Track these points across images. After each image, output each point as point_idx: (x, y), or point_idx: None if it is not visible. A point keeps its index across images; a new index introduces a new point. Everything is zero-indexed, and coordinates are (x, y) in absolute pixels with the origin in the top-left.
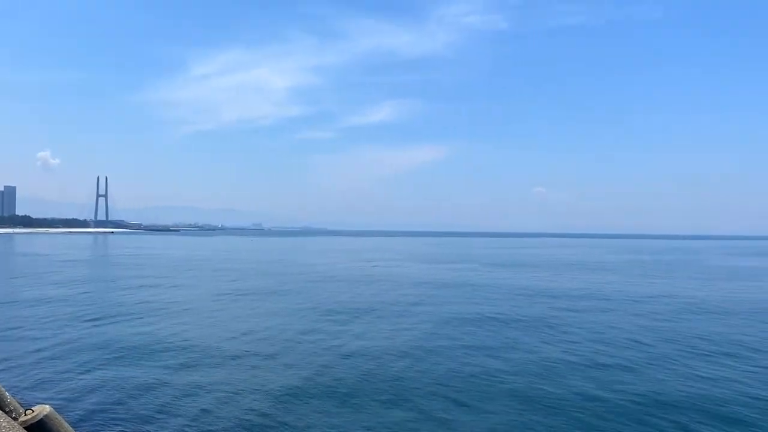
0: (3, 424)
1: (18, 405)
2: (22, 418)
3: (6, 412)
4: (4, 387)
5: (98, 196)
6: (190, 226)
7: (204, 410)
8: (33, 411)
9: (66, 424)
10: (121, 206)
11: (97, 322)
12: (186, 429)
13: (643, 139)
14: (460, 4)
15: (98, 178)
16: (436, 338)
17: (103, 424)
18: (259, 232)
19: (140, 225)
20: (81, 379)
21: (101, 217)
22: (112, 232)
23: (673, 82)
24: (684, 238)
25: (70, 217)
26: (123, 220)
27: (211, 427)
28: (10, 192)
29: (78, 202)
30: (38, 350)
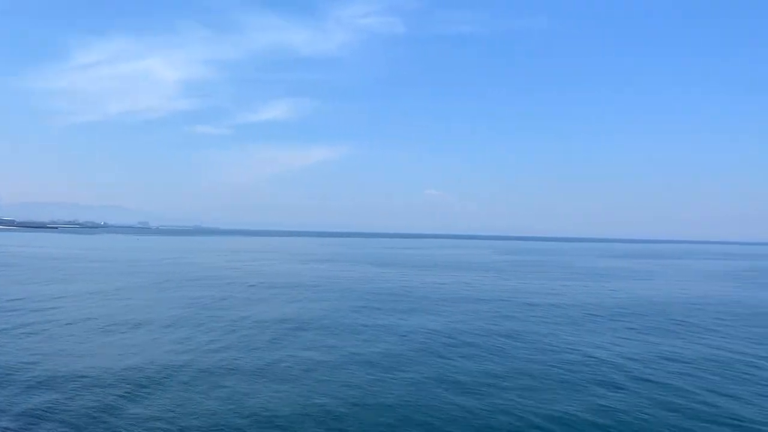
0: None
1: None
2: None
3: None
4: None
5: None
6: (69, 223)
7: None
8: None
9: None
10: None
11: None
12: None
13: (537, 143)
14: (358, 5)
15: None
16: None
17: None
18: (146, 230)
19: (13, 221)
20: None
21: None
22: None
23: (560, 90)
24: (579, 240)
25: None
26: None
27: None
28: None
29: None
30: None
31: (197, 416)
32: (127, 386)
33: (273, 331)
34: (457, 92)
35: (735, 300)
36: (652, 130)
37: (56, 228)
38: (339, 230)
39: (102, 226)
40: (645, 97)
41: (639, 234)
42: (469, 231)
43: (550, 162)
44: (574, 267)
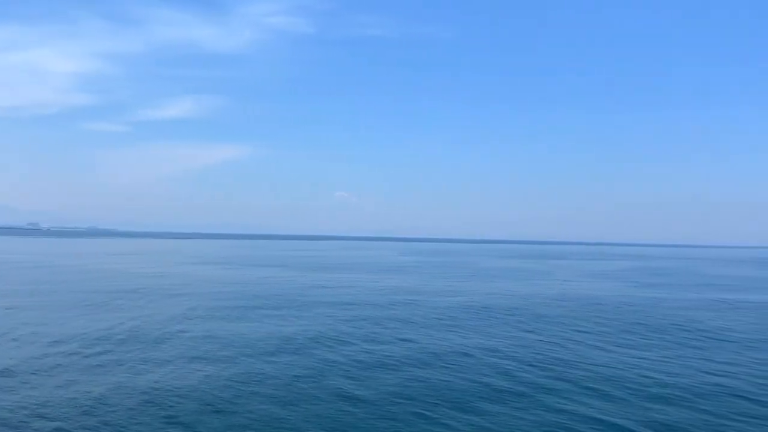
0: None
1: None
2: None
3: None
4: None
5: None
6: None
7: None
8: None
9: None
10: None
11: None
12: None
13: (445, 146)
14: (265, 3)
15: None
16: None
17: None
18: (36, 232)
19: None
20: None
21: None
22: None
23: (463, 98)
24: (484, 242)
25: None
26: None
27: None
28: None
29: None
30: None
31: None
32: None
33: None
34: (366, 94)
35: (584, 296)
36: (551, 138)
37: None
38: (246, 232)
39: None
40: (547, 105)
41: (545, 236)
42: (380, 233)
43: (456, 165)
44: (476, 267)
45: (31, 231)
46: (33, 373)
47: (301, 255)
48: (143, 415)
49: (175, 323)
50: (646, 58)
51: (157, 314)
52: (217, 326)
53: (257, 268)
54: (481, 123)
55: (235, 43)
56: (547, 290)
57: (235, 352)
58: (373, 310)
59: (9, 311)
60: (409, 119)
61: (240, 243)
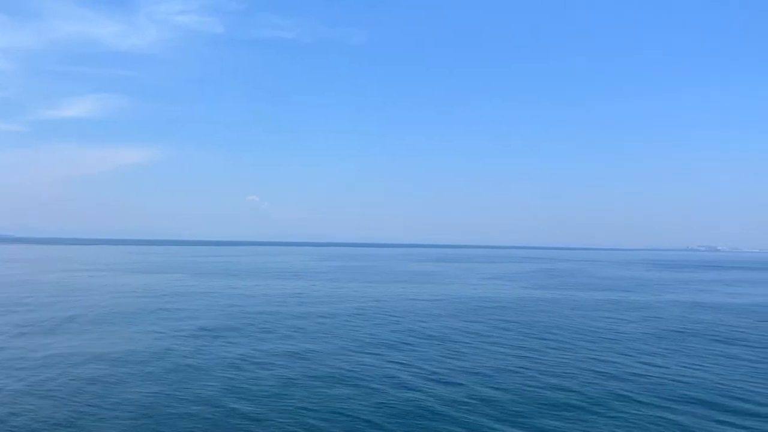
0: None
1: None
2: None
3: None
4: None
5: None
6: None
7: None
8: None
9: None
10: None
11: None
12: None
13: (362, 150)
14: (173, 1)
15: None
16: None
17: None
18: None
19: None
20: None
21: None
22: None
23: (381, 100)
24: (402, 246)
25: None
26: None
27: None
28: None
29: None
30: None
31: None
32: None
33: None
34: (277, 98)
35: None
36: (465, 145)
37: None
38: (153, 238)
39: None
40: (456, 108)
41: (461, 240)
42: (296, 238)
43: (374, 169)
44: (392, 271)
45: None
46: None
47: (201, 261)
48: None
49: None
50: (525, 58)
51: None
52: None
53: (147, 275)
54: (392, 126)
55: (140, 41)
56: (456, 292)
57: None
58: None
59: None
60: (320, 122)
61: (147, 249)
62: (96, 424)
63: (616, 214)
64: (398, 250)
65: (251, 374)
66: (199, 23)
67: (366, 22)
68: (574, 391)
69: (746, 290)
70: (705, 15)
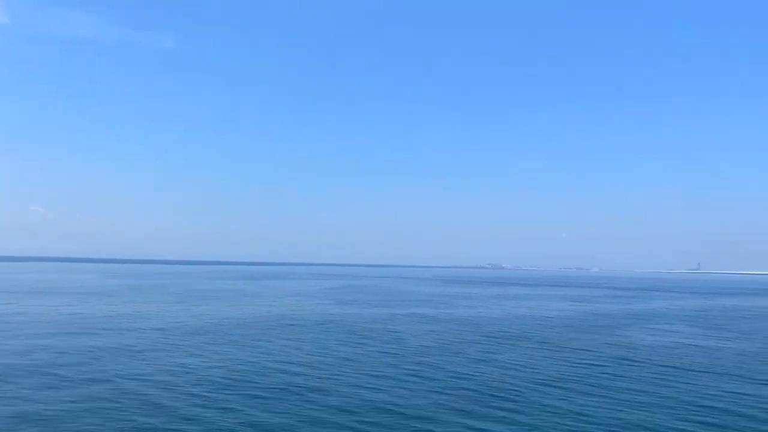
0: None
1: None
2: None
3: None
4: None
5: None
6: None
7: None
8: None
9: None
10: None
11: None
12: None
13: (158, 165)
14: None
15: None
16: None
17: None
18: None
19: None
20: None
21: None
22: None
23: (210, 109)
24: (204, 263)
25: None
26: None
27: None
28: None
29: None
30: None
31: None
32: None
33: None
34: (68, 100)
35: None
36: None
37: None
38: None
39: None
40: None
41: (272, 257)
42: (85, 253)
43: (173, 184)
44: (188, 290)
45: None
46: None
47: None
48: None
49: None
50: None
51: None
52: None
53: None
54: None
55: None
56: (256, 310)
57: None
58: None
59: None
60: (118, 130)
61: None
62: None
63: (418, 234)
64: (192, 267)
65: None
66: None
67: (175, 24)
68: (333, 395)
69: (518, 302)
70: None
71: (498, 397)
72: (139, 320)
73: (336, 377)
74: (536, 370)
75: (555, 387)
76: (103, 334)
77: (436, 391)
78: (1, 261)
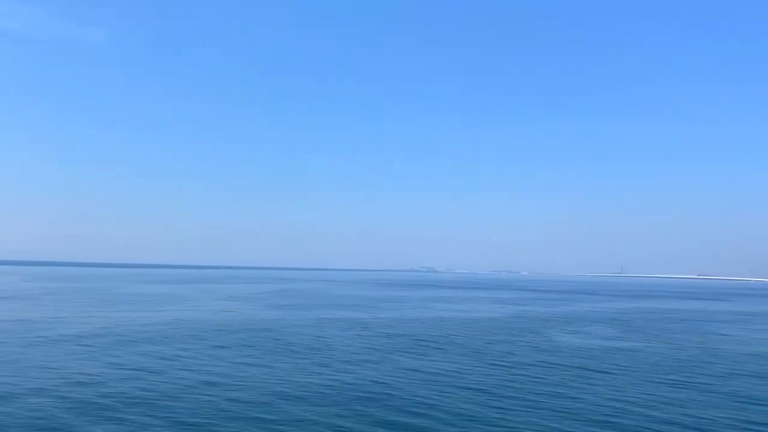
0: None
1: None
2: None
3: None
4: None
5: None
6: None
7: None
8: None
9: None
10: None
11: None
12: None
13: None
14: None
15: None
16: None
17: None
18: None
19: None
20: None
21: None
22: None
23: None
24: (130, 266)
25: None
26: None
27: None
28: None
29: None
30: None
31: None
32: None
33: None
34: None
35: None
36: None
37: None
38: None
39: None
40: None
41: (199, 260)
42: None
43: (97, 185)
44: (110, 293)
45: None
46: None
47: None
48: None
49: None
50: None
51: None
52: None
53: None
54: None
55: None
56: (183, 314)
57: None
58: None
59: None
60: (41, 133)
61: None
62: None
63: (350, 239)
64: (120, 270)
65: None
66: None
67: (106, 19)
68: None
69: (444, 305)
70: None
71: (415, 402)
72: (41, 326)
73: (247, 386)
74: (458, 375)
75: (475, 391)
76: None
77: (352, 399)
78: None
